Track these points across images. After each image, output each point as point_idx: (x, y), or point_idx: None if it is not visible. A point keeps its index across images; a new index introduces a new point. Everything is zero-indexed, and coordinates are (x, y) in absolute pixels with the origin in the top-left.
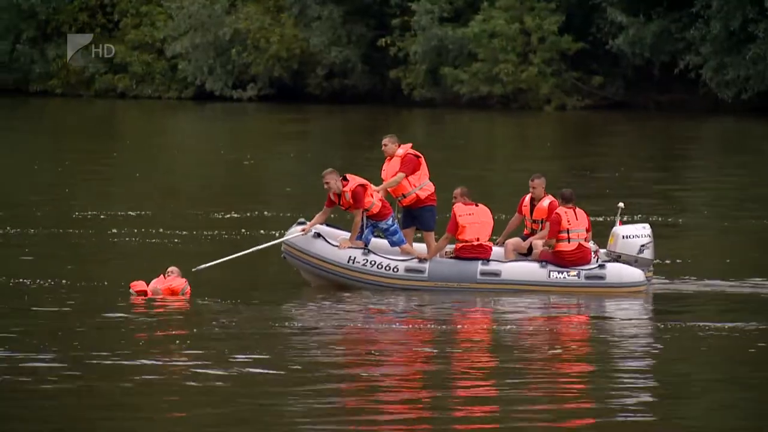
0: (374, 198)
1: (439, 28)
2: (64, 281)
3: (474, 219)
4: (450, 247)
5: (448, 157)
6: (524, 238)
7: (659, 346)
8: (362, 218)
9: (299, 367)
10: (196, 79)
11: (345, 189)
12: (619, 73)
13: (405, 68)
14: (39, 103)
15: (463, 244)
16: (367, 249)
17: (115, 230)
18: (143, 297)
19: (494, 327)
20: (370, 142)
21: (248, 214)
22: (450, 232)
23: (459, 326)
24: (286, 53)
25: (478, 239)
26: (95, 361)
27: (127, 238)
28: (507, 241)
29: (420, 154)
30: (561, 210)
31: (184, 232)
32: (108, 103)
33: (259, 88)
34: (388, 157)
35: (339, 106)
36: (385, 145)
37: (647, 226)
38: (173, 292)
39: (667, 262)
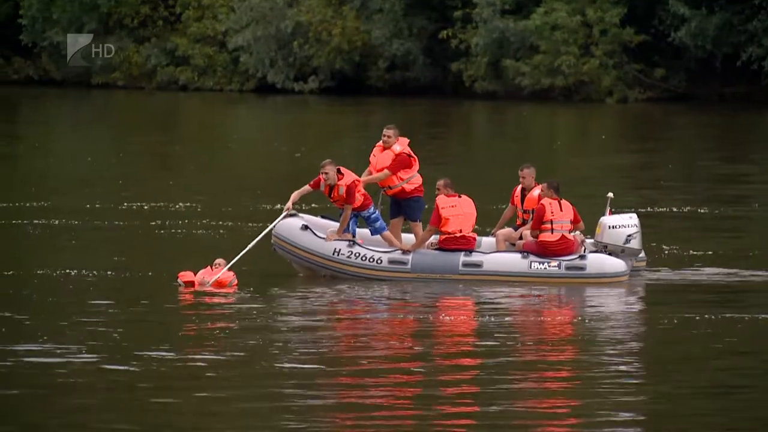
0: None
1: (501, 21)
2: (109, 272)
3: (457, 211)
4: (435, 238)
5: (508, 149)
6: (516, 229)
7: (642, 335)
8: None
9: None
10: (258, 71)
11: (340, 182)
12: (682, 66)
13: (466, 60)
14: (101, 96)
15: (447, 235)
16: (352, 241)
17: (166, 221)
18: (191, 288)
19: (476, 318)
20: (430, 135)
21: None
22: (433, 224)
23: (440, 318)
24: (347, 46)
25: (461, 231)
26: (140, 353)
27: (175, 230)
28: (498, 232)
29: (413, 155)
30: (546, 201)
31: (231, 224)
32: (169, 96)
33: (321, 80)
34: (382, 147)
35: (400, 99)
36: (388, 137)
37: (634, 215)
38: (221, 284)
39: (719, 253)
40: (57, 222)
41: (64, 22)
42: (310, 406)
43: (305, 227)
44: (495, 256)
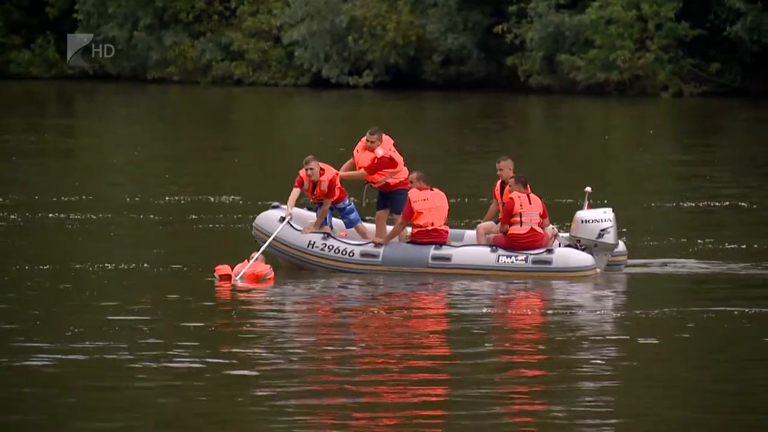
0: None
1: (556, 15)
2: (145, 265)
3: (429, 204)
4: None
5: (561, 143)
6: (497, 222)
7: (607, 331)
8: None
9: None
10: (313, 66)
11: (322, 178)
12: (737, 60)
13: (521, 55)
14: (156, 91)
15: (419, 229)
16: (328, 234)
17: (212, 215)
18: (227, 281)
19: (446, 312)
20: (484, 130)
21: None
22: (405, 218)
23: (409, 312)
24: (402, 40)
25: (432, 224)
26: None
27: (212, 225)
28: (479, 225)
29: (396, 156)
30: (515, 194)
31: None
32: (224, 91)
33: (375, 74)
34: (365, 146)
35: (455, 93)
36: (371, 142)
37: (609, 210)
38: (256, 278)
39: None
40: (101, 215)
41: (120, 17)
42: (354, 404)
43: (282, 219)
44: (464, 249)
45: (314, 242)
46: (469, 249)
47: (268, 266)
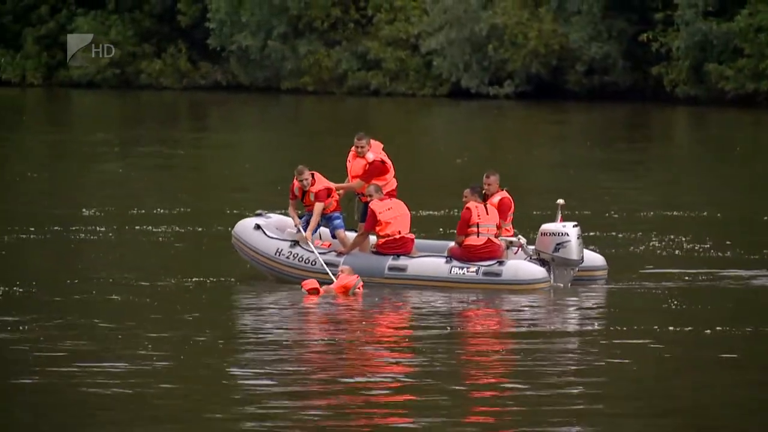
0: (332, 199)
1: (704, 23)
2: (231, 279)
3: (394, 213)
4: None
5: (706, 157)
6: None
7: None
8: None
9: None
10: (452, 75)
11: (311, 189)
12: None
13: (667, 64)
14: (290, 101)
15: (387, 238)
16: (294, 242)
17: None
18: (316, 295)
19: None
20: (629, 141)
21: (437, 212)
22: (367, 229)
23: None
24: (544, 49)
25: (399, 232)
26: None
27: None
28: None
29: (387, 161)
30: (471, 205)
31: None
32: (360, 101)
33: (516, 84)
34: (355, 154)
35: (598, 104)
36: (361, 147)
37: (570, 225)
38: (345, 290)
39: None
40: (209, 228)
41: (253, 26)
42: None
43: (257, 227)
44: (419, 260)
45: (281, 250)
46: (424, 260)
47: (356, 276)
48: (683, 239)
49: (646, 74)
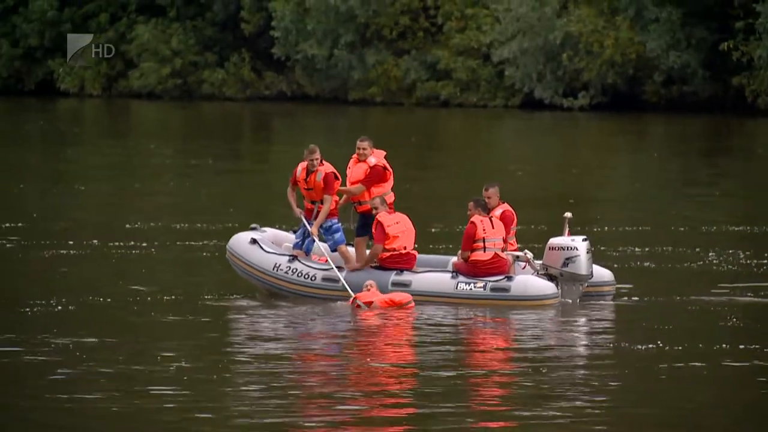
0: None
1: None
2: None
3: (401, 227)
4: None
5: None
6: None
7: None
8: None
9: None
10: (525, 86)
11: (320, 168)
12: None
13: (749, 74)
14: (357, 113)
15: (391, 252)
16: (293, 256)
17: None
18: (368, 309)
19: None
20: (706, 154)
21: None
22: (379, 242)
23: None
24: (620, 58)
25: (405, 247)
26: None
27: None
28: (460, 252)
29: (389, 168)
30: (476, 219)
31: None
32: (429, 113)
33: (591, 95)
34: (356, 159)
35: (677, 115)
36: (363, 149)
37: (579, 239)
38: (394, 304)
39: None
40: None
41: (319, 34)
42: None
43: (253, 241)
44: (423, 275)
45: (279, 265)
46: (429, 275)
47: (409, 296)
48: (742, 255)
49: (726, 84)
